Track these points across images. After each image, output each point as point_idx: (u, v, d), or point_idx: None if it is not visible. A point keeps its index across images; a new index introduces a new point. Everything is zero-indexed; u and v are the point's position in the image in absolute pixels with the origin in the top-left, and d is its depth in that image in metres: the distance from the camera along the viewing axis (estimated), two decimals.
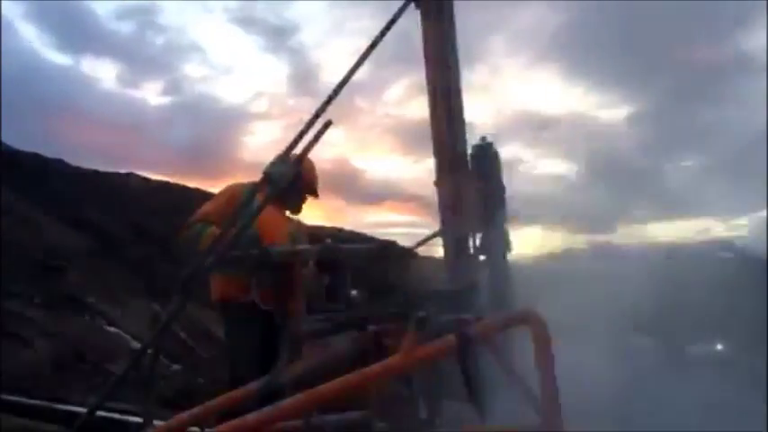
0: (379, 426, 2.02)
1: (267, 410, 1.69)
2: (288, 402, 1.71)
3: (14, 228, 13.87)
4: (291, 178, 2.26)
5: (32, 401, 4.61)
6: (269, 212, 3.11)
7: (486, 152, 2.64)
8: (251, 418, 1.66)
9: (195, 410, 1.91)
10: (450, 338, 1.71)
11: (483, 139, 2.66)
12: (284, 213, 3.46)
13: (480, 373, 1.92)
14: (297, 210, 3.51)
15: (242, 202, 2.92)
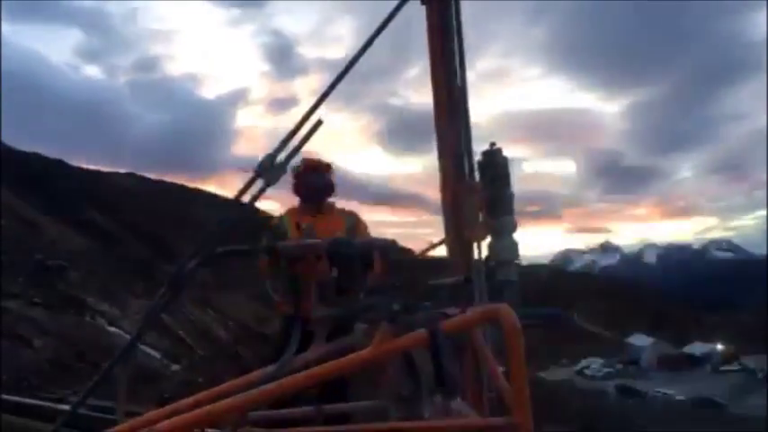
0: (392, 414, 2.04)
1: (239, 397, 1.72)
2: (259, 391, 1.74)
3: (14, 228, 13.89)
4: (281, 175, 2.27)
5: (33, 401, 4.61)
6: (294, 223, 3.19)
7: (495, 158, 2.60)
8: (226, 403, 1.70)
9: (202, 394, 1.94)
10: (422, 332, 1.74)
11: (492, 144, 2.63)
12: (313, 212, 3.48)
13: (452, 366, 1.94)
14: (315, 196, 3.52)
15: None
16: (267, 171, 2.08)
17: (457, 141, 2.54)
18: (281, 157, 2.15)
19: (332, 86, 2.25)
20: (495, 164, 2.59)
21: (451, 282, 2.26)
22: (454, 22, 2.52)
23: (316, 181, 3.55)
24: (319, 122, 2.15)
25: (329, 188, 3.58)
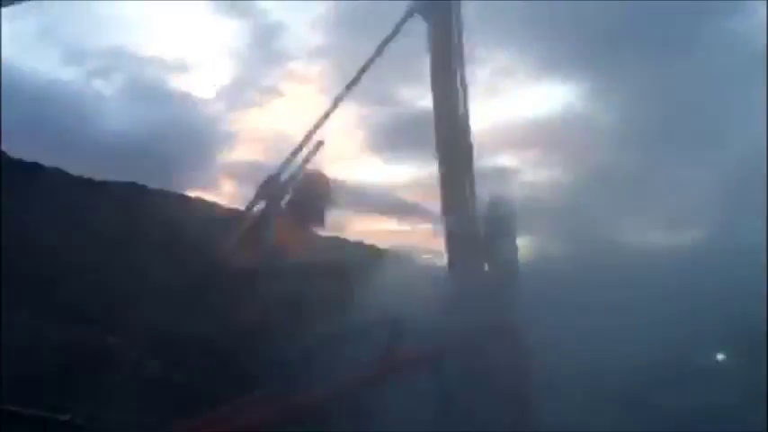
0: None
1: (242, 419, 1.73)
2: (263, 411, 1.74)
3: (14, 237, 13.86)
4: (284, 196, 2.30)
5: (32, 411, 4.61)
6: (285, 229, 3.25)
7: (500, 210, 2.58)
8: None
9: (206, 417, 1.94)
10: (425, 349, 1.75)
11: (497, 198, 2.62)
12: (302, 228, 3.57)
13: (454, 380, 1.95)
14: (320, 223, 3.66)
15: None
16: (269, 193, 2.10)
17: (462, 193, 2.48)
18: (284, 177, 2.18)
19: (333, 106, 2.28)
20: (500, 216, 2.56)
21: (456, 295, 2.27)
22: (455, 40, 2.53)
23: (324, 213, 3.68)
24: (320, 143, 2.18)
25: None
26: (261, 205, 2.27)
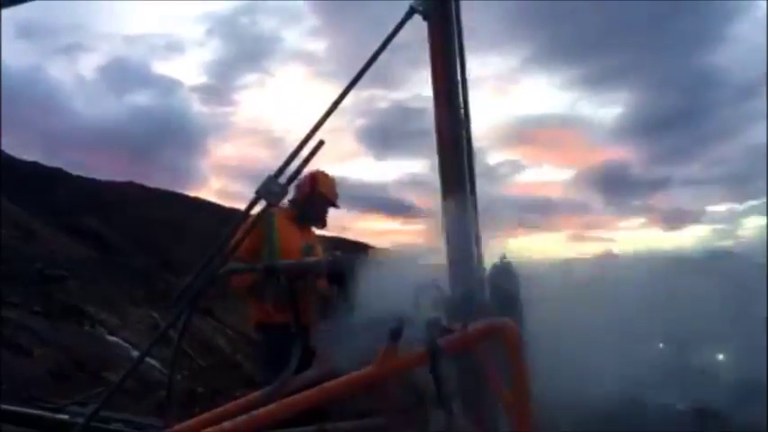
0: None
1: (242, 419, 1.73)
2: (263, 411, 1.74)
3: (14, 237, 13.89)
4: (283, 197, 2.30)
5: (32, 410, 4.60)
6: (285, 229, 3.26)
7: (505, 274, 2.54)
8: (227, 425, 1.70)
9: (206, 415, 1.94)
10: (423, 349, 1.75)
11: (502, 257, 2.59)
12: (303, 228, 3.59)
13: (452, 381, 1.94)
14: (321, 223, 3.68)
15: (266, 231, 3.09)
16: (269, 193, 2.11)
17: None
18: (283, 178, 2.18)
19: (332, 109, 2.27)
20: (506, 280, 2.51)
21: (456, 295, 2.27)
22: (456, 40, 2.53)
23: (326, 213, 3.69)
24: (321, 143, 2.18)
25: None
26: (260, 205, 2.25)
